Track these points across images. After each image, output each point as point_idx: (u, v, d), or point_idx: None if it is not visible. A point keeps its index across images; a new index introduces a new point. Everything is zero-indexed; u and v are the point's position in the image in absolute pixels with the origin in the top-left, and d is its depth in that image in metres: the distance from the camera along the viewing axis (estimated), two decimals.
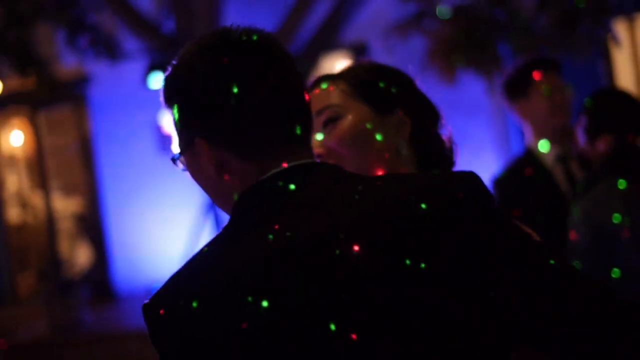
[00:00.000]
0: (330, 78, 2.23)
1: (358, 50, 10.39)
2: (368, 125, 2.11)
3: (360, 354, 1.53)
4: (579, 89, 4.49)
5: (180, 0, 9.07)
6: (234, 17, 9.75)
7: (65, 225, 11.52)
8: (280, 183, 1.67)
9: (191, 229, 8.98)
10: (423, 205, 1.60)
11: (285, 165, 1.68)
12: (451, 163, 2.17)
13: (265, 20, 9.81)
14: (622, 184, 3.56)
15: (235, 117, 1.69)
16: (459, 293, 1.57)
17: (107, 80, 10.69)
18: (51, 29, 9.55)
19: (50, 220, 10.67)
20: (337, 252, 1.56)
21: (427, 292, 1.56)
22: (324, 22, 9.13)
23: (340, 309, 1.53)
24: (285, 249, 1.56)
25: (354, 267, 1.55)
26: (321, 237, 1.58)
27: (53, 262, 10.49)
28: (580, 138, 3.75)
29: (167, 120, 8.96)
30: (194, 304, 1.54)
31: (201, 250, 1.65)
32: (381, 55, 9.97)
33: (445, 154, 2.16)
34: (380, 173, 2.08)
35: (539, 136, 4.32)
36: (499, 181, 4.33)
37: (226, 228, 1.67)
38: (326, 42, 9.25)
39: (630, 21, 9.58)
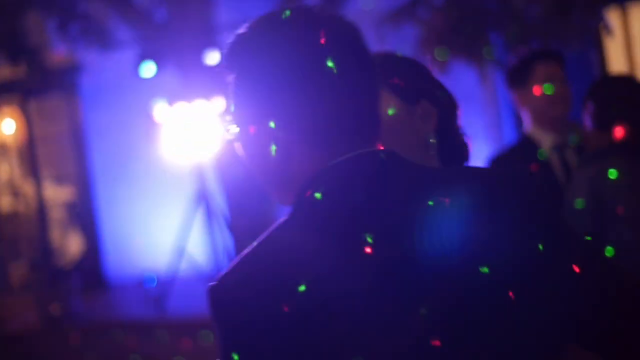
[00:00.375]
0: None
1: None
2: (395, 115, 2.06)
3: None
4: (571, 78, 4.55)
5: None
6: (226, 4, 9.73)
7: (56, 214, 11.49)
8: (352, 170, 1.60)
9: (182, 218, 8.96)
10: (501, 202, 1.58)
11: (353, 152, 1.62)
12: (469, 155, 2.16)
13: (256, 9, 9.76)
14: (631, 165, 3.58)
15: (311, 99, 1.62)
16: (533, 293, 1.56)
17: (99, 69, 10.65)
18: (42, 17, 9.50)
19: (41, 209, 10.65)
20: (411, 244, 1.53)
21: (500, 290, 1.54)
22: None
23: (413, 305, 1.51)
24: (358, 239, 1.52)
25: (429, 263, 1.53)
26: (396, 228, 1.55)
27: (44, 251, 10.47)
28: (587, 124, 3.74)
29: (159, 109, 8.94)
30: (260, 289, 1.50)
31: (270, 235, 1.58)
32: (373, 44, 9.93)
33: (465, 146, 2.15)
34: None
35: (537, 125, 4.37)
36: (493, 165, 4.37)
37: (294, 213, 1.60)
38: None
39: (623, 10, 9.58)
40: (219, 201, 9.08)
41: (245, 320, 1.50)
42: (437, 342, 1.50)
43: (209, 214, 8.74)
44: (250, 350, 1.50)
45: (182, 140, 8.74)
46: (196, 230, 9.02)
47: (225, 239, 8.71)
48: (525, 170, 1.65)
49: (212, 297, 1.53)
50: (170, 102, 8.71)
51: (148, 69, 8.88)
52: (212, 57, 8.88)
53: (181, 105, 8.64)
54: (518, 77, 4.42)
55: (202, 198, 8.74)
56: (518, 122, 4.58)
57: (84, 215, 11.50)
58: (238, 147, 1.71)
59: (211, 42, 8.97)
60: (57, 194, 11.52)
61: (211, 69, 8.87)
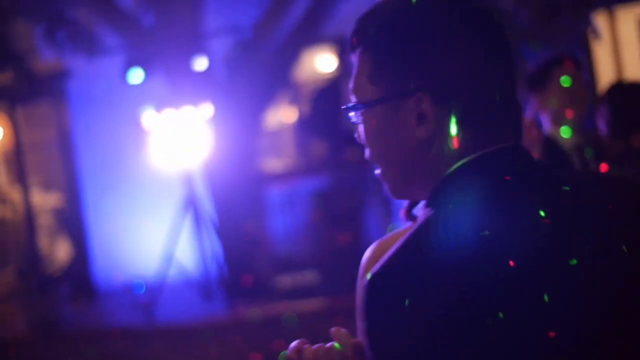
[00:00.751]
0: None
1: (340, 44, 10.34)
2: None
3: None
4: None
5: None
6: (213, 11, 9.71)
7: (44, 221, 11.45)
8: (512, 161, 1.51)
9: (171, 225, 8.94)
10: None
11: (505, 142, 1.53)
12: None
13: (245, 14, 9.77)
14: None
15: (475, 73, 1.52)
16: None
17: (86, 75, 10.62)
18: (29, 23, 9.48)
19: (29, 216, 10.60)
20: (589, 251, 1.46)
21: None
22: (304, 15, 9.09)
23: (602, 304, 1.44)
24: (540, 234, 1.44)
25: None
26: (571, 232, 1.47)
27: (32, 258, 10.42)
28: (602, 129, 3.76)
29: (147, 116, 8.91)
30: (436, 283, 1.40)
31: (439, 223, 1.47)
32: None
33: None
34: None
35: (557, 126, 4.53)
36: None
37: (458, 201, 1.48)
38: (307, 36, 9.22)
39: (610, 13, 9.60)
40: (208, 207, 9.05)
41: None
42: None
43: (198, 220, 8.72)
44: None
45: (170, 147, 8.71)
46: (185, 237, 8.99)
47: (213, 245, 8.68)
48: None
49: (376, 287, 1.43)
50: (158, 109, 8.68)
51: (136, 75, 8.86)
52: (200, 64, 8.87)
53: (169, 112, 8.61)
54: (537, 81, 4.58)
55: (191, 204, 8.71)
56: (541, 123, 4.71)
57: (73, 222, 11.45)
58: (368, 129, 1.59)
59: (199, 49, 8.96)
60: (45, 201, 11.47)
61: (199, 75, 8.86)
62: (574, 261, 1.43)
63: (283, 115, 11.17)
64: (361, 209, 9.16)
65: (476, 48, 1.52)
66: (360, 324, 1.47)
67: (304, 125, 10.16)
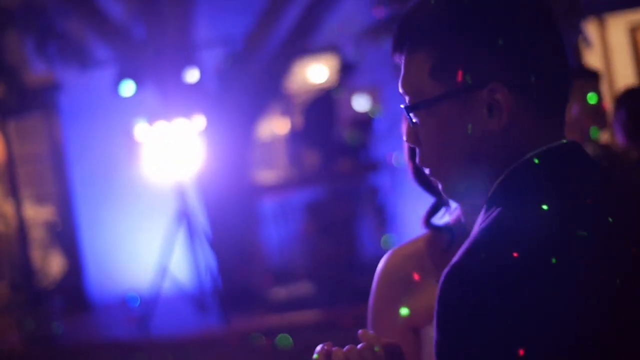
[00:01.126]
0: None
1: (330, 54, 10.37)
2: None
3: None
4: None
5: (150, 7, 9.02)
6: (205, 23, 9.71)
7: (37, 234, 11.42)
8: (578, 158, 1.49)
9: (164, 237, 8.92)
10: None
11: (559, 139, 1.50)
12: None
13: (236, 26, 9.78)
14: None
15: (543, 61, 1.48)
16: None
17: (78, 88, 10.61)
18: (20, 36, 9.47)
19: (22, 229, 10.57)
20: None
21: None
22: (295, 26, 9.10)
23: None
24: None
25: None
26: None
27: (25, 271, 10.39)
28: (619, 135, 3.72)
29: (139, 128, 8.91)
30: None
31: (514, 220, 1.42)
32: (353, 58, 9.95)
33: None
34: None
35: (574, 138, 4.50)
36: None
37: (531, 191, 1.44)
38: (298, 46, 9.23)
39: (601, 22, 9.63)
40: (201, 219, 9.04)
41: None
42: None
43: (191, 232, 8.70)
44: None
45: (162, 159, 8.70)
46: (178, 249, 8.98)
47: (207, 257, 8.67)
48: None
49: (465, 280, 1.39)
50: (151, 121, 8.67)
51: (127, 87, 8.86)
52: (192, 75, 8.87)
53: (161, 124, 8.61)
54: None
55: (184, 216, 8.70)
56: None
57: (66, 235, 11.42)
58: (430, 127, 1.53)
59: (190, 60, 8.96)
60: (37, 214, 11.44)
61: (191, 87, 8.86)
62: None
63: (275, 126, 11.17)
64: (354, 219, 9.16)
65: (541, 34, 1.49)
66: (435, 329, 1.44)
67: (297, 136, 10.16)
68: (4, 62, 9.30)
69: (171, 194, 9.11)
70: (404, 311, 2.11)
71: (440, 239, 2.16)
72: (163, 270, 8.68)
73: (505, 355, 1.37)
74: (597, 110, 4.51)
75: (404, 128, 1.63)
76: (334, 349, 1.70)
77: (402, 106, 1.57)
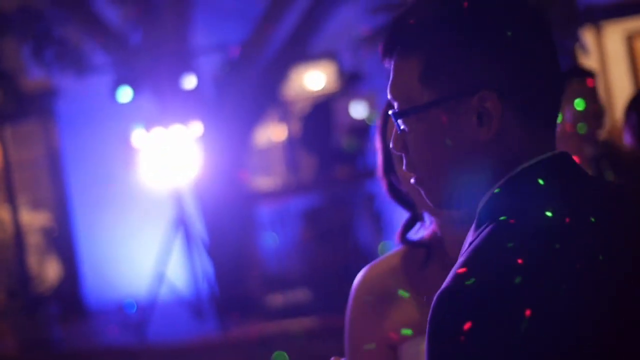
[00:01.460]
0: None
1: (327, 61, 10.39)
2: None
3: None
4: None
5: (147, 13, 9.02)
6: (202, 29, 9.71)
7: (33, 241, 11.40)
8: (569, 170, 1.46)
9: (161, 243, 8.91)
10: None
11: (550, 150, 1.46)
12: None
13: (234, 31, 9.78)
14: None
15: (534, 69, 1.44)
16: None
17: (75, 94, 10.61)
18: (17, 42, 9.47)
19: (18, 235, 10.55)
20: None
21: None
22: (293, 32, 9.10)
23: None
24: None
25: None
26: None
27: (22, 277, 10.37)
28: (628, 136, 3.71)
29: (136, 134, 8.90)
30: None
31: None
32: (351, 65, 9.96)
33: None
34: None
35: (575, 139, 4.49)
36: None
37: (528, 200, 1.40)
38: (296, 53, 9.23)
39: (598, 29, 9.64)
40: (198, 226, 9.03)
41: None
42: None
43: (188, 239, 8.69)
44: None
45: (159, 165, 8.69)
46: (175, 255, 8.97)
47: (204, 264, 8.66)
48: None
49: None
50: (148, 127, 8.67)
51: (124, 93, 8.85)
52: (189, 82, 8.87)
53: (158, 130, 8.60)
54: None
55: (181, 223, 8.69)
56: None
57: (62, 241, 11.41)
58: (418, 135, 1.50)
59: (187, 67, 8.96)
60: (34, 220, 11.42)
61: (188, 93, 8.85)
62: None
63: (272, 133, 11.17)
64: (351, 226, 9.15)
65: (534, 43, 1.46)
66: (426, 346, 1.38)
67: (295, 143, 10.16)
68: (1, 68, 9.28)
69: (168, 201, 9.11)
70: (406, 331, 2.06)
71: (416, 254, 2.12)
72: (160, 277, 8.67)
73: None
74: (594, 110, 4.49)
75: (391, 135, 1.58)
76: None
77: (390, 112, 1.54)
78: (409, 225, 2.17)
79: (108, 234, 11.05)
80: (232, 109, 8.97)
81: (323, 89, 10.50)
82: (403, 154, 1.53)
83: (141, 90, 8.93)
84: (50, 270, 11.36)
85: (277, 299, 9.09)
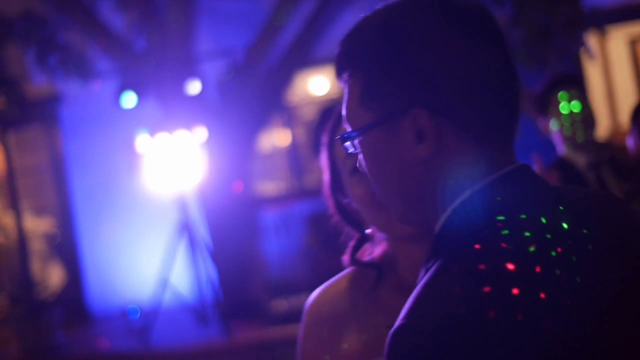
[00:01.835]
0: None
1: (331, 66, 10.36)
2: None
3: None
4: None
5: (151, 19, 9.02)
6: (206, 34, 9.71)
7: (37, 246, 11.41)
8: (527, 188, 1.41)
9: (165, 249, 8.90)
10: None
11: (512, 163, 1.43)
12: None
13: (237, 37, 9.78)
14: None
15: (472, 84, 1.41)
16: None
17: (79, 100, 10.61)
18: (21, 48, 9.47)
19: (21, 241, 10.57)
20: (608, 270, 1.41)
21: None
22: (296, 38, 9.10)
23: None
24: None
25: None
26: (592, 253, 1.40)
27: (25, 283, 10.38)
28: (631, 142, 3.71)
29: (141, 140, 8.89)
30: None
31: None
32: None
33: None
34: None
35: (568, 148, 4.49)
36: None
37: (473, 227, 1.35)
38: (299, 59, 9.23)
39: (601, 34, 9.64)
40: (202, 231, 9.02)
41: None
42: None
43: (192, 245, 8.68)
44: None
45: (164, 171, 8.69)
46: (179, 261, 8.96)
47: (208, 270, 8.65)
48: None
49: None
50: (152, 133, 8.66)
51: (129, 99, 8.85)
52: (193, 87, 8.86)
53: (163, 136, 8.60)
54: (540, 106, 4.52)
55: (185, 229, 8.68)
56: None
57: (65, 246, 11.41)
58: (367, 157, 1.50)
59: (191, 72, 8.96)
60: (37, 226, 11.43)
61: (192, 99, 8.85)
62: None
63: (277, 138, 11.17)
64: None
65: (471, 56, 1.43)
66: None
67: (302, 148, 10.15)
68: (5, 74, 9.28)
69: (172, 206, 9.10)
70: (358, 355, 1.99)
71: (367, 276, 2.04)
72: (164, 282, 8.66)
73: None
74: (582, 116, 4.48)
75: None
76: None
77: (337, 137, 1.60)
78: (357, 246, 2.10)
79: (112, 239, 11.05)
80: (237, 114, 8.97)
81: (327, 94, 10.49)
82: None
83: (145, 95, 8.93)
84: (54, 276, 11.37)
85: (281, 304, 9.08)
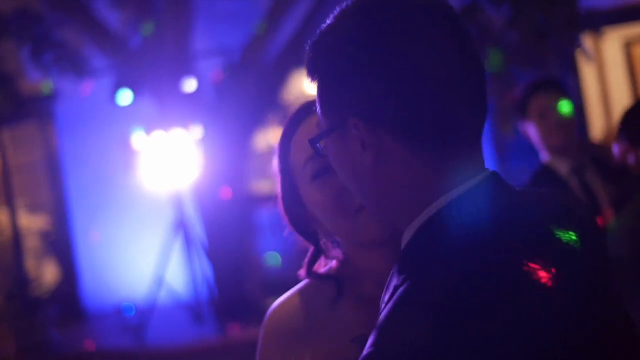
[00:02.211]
0: None
1: None
2: None
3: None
4: None
5: (147, 16, 9.02)
6: (202, 32, 9.71)
7: (31, 243, 11.39)
8: (492, 203, 1.37)
9: (161, 247, 8.91)
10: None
11: (477, 172, 1.40)
12: None
13: (233, 36, 9.77)
14: None
15: (414, 90, 1.37)
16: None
17: (74, 97, 10.59)
18: (16, 44, 9.45)
19: (16, 238, 10.54)
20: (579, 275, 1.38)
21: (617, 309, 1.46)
22: (292, 37, 9.11)
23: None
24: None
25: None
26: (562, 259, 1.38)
27: (19, 280, 10.36)
28: (617, 149, 3.70)
29: (136, 137, 8.89)
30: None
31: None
32: None
33: None
34: None
35: (549, 153, 4.45)
36: None
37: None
38: (295, 58, 9.23)
39: (596, 35, 9.67)
40: (198, 229, 9.03)
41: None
42: None
43: (187, 243, 8.69)
44: None
45: (159, 169, 8.69)
46: (175, 259, 8.96)
47: (203, 268, 8.66)
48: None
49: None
50: (148, 131, 8.66)
51: (124, 96, 8.84)
52: (189, 85, 8.86)
53: (158, 134, 8.60)
54: (519, 110, 4.49)
55: (180, 226, 8.69)
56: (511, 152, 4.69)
57: (61, 244, 11.39)
58: (330, 158, 1.51)
59: (188, 70, 8.96)
60: (32, 223, 11.41)
61: (188, 97, 8.85)
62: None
63: (272, 137, 11.17)
64: None
65: (416, 61, 1.39)
66: None
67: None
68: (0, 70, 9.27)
69: (167, 204, 9.10)
70: None
71: (326, 289, 1.99)
72: (159, 280, 8.66)
73: None
74: (562, 122, 4.45)
75: None
76: None
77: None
78: (314, 258, 2.06)
79: (107, 236, 11.04)
80: (232, 112, 8.97)
81: None
82: None
83: (141, 93, 8.93)
84: (48, 273, 11.35)
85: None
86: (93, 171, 11.02)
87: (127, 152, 9.63)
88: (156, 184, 8.92)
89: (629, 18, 10.25)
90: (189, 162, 8.64)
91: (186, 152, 8.61)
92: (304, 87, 11.08)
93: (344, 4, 1.50)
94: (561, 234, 1.41)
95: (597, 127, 9.74)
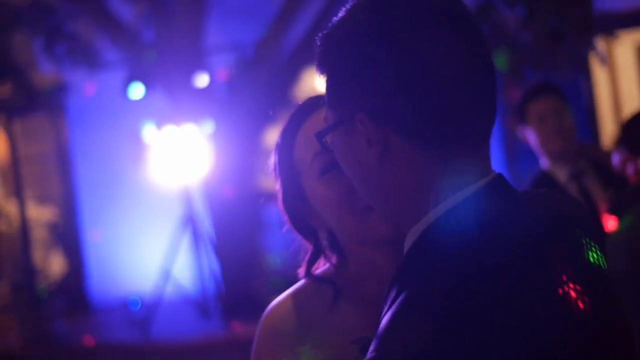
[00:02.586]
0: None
1: None
2: None
3: None
4: None
5: (160, 10, 9.01)
6: (215, 27, 9.70)
7: (39, 235, 11.40)
8: (498, 209, 1.36)
9: (169, 241, 8.91)
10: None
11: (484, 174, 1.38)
12: None
13: (247, 32, 9.77)
14: None
15: (414, 88, 1.36)
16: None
17: (86, 89, 10.61)
18: (28, 36, 9.46)
19: (24, 229, 10.56)
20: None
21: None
22: (306, 34, 9.10)
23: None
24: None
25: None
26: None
27: (27, 271, 10.39)
28: (616, 159, 3.69)
29: (147, 131, 8.89)
30: None
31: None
32: None
33: None
34: None
35: (548, 159, 4.42)
36: None
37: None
38: (309, 55, 9.22)
39: (610, 38, 9.65)
40: (206, 225, 9.02)
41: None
42: None
43: (196, 237, 8.69)
44: None
45: (169, 163, 8.69)
46: (182, 254, 8.96)
47: (211, 263, 8.65)
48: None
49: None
50: (159, 125, 8.66)
51: (136, 90, 8.84)
52: (201, 80, 8.86)
53: (170, 128, 8.60)
54: (517, 117, 4.46)
55: (189, 221, 8.68)
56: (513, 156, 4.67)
57: (68, 236, 11.41)
58: (337, 153, 1.49)
59: (200, 65, 8.95)
60: (41, 214, 11.43)
61: (200, 91, 8.84)
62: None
63: None
64: None
65: (425, 59, 1.37)
66: None
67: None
68: (12, 62, 9.27)
69: (177, 198, 9.10)
70: None
71: (324, 290, 1.95)
72: (166, 275, 8.66)
73: None
74: (562, 128, 4.42)
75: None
76: None
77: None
78: (313, 259, 2.03)
79: (115, 230, 11.04)
80: (244, 108, 8.96)
81: None
82: None
83: (153, 87, 8.93)
84: (55, 265, 11.37)
85: None
86: (103, 164, 11.02)
87: (137, 146, 9.64)
88: (166, 178, 8.92)
89: None
90: (199, 157, 8.63)
91: (197, 147, 8.60)
92: (316, 84, 11.08)
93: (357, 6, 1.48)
94: (563, 236, 1.40)
95: (608, 131, 9.72)
